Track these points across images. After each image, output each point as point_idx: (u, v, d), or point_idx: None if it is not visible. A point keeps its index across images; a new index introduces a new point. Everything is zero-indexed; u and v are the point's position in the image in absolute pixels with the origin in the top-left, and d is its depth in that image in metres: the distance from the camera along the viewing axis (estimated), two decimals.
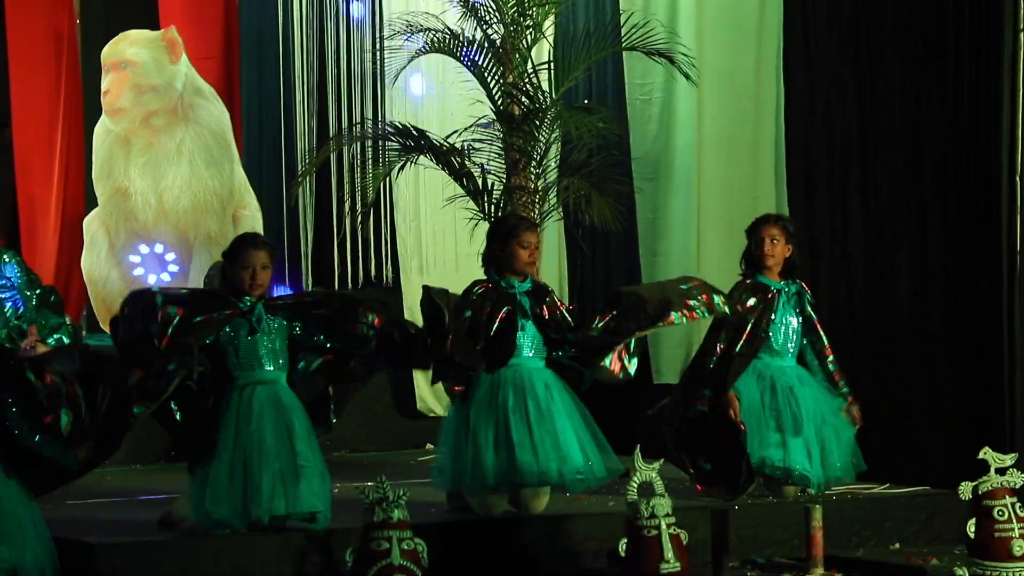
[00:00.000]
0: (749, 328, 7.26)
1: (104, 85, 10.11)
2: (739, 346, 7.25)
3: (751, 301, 7.32)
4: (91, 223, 10.21)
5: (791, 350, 7.42)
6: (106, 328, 10.10)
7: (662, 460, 6.28)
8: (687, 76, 8.71)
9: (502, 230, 7.02)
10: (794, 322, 7.42)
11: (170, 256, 10.13)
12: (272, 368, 6.50)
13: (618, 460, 6.91)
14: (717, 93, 9.34)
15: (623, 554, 5.94)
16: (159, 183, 10.04)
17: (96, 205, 10.29)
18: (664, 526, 5.92)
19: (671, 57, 8.71)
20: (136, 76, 10.01)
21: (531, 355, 6.96)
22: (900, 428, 8.35)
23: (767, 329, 7.32)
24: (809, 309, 7.45)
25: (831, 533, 6.74)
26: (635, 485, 6.11)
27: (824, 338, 7.48)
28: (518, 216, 7.75)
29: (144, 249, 10.14)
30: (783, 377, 7.34)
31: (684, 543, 5.98)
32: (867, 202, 8.67)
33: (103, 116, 10.18)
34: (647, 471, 6.15)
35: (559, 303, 7.03)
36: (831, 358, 7.46)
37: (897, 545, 7.20)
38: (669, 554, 5.87)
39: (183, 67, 10.14)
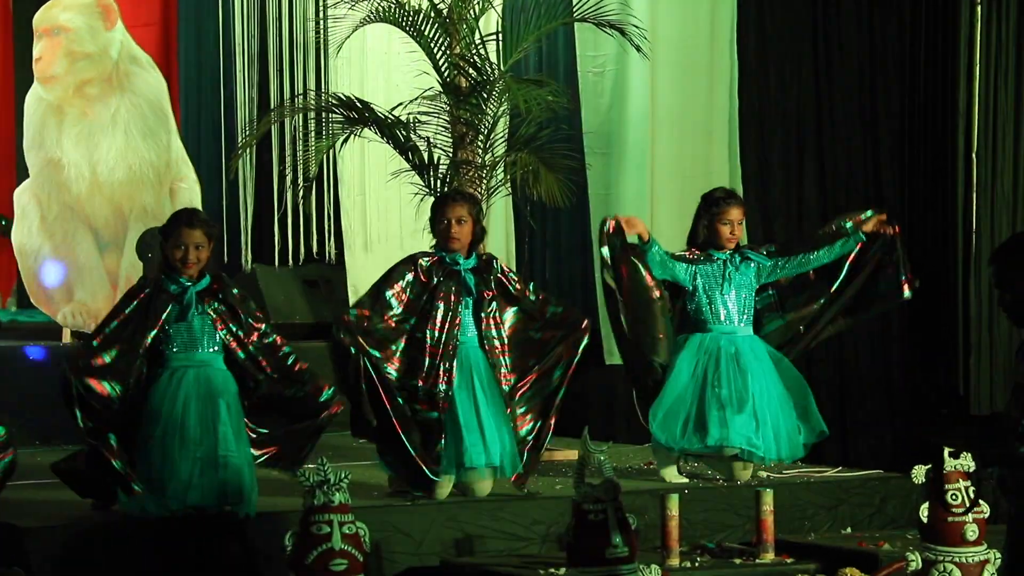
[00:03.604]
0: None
1: (36, 52, 9.87)
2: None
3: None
4: (22, 195, 9.99)
5: (743, 320, 7.30)
6: (37, 303, 9.91)
7: (609, 443, 6.14)
8: (639, 49, 8.55)
9: (433, 206, 7.02)
10: (744, 292, 7.30)
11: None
12: (205, 350, 6.32)
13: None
14: (670, 66, 9.23)
15: (570, 538, 5.80)
16: (93, 154, 9.81)
17: (27, 176, 10.04)
18: (611, 510, 5.77)
19: (623, 29, 8.55)
20: (69, 43, 9.77)
21: (474, 334, 6.82)
22: (853, 410, 8.28)
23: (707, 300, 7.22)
24: (763, 256, 7.32)
25: (783, 517, 6.70)
26: (583, 468, 5.96)
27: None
28: (450, 191, 7.67)
29: None
30: (730, 347, 7.21)
31: (632, 527, 5.85)
32: (822, 178, 8.62)
33: (35, 84, 9.93)
34: (595, 454, 6.00)
35: (505, 271, 6.92)
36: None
37: (849, 530, 7.13)
38: (616, 538, 5.74)
39: (118, 34, 9.91)
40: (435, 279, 6.78)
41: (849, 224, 7.35)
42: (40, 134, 9.88)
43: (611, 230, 7.23)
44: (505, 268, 7.02)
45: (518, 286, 6.93)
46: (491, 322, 6.83)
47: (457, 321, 6.76)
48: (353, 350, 6.58)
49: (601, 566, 5.69)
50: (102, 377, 6.22)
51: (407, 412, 6.62)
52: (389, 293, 6.76)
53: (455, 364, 6.73)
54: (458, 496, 6.76)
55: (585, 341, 6.96)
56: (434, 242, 7.00)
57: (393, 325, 6.72)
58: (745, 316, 7.34)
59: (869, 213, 7.39)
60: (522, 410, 6.83)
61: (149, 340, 6.29)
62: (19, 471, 6.35)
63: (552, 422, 6.90)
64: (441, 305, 6.76)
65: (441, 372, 6.69)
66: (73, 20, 9.81)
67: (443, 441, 6.63)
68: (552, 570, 6.05)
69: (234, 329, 6.40)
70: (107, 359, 6.25)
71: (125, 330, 6.32)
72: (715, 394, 7.18)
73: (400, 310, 6.75)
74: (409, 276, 6.77)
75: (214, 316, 6.37)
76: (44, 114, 9.86)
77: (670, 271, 7.27)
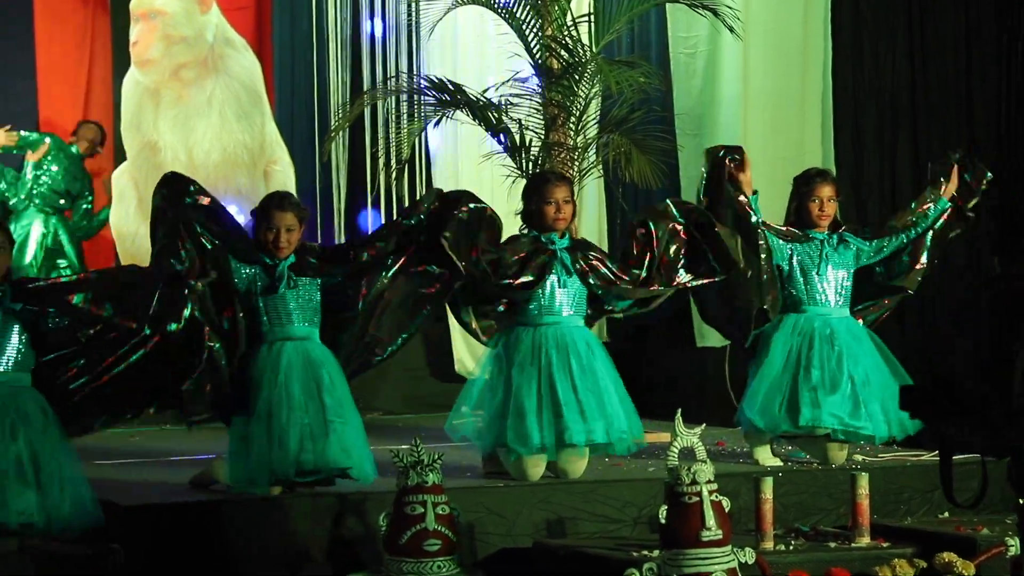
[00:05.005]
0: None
1: (133, 36, 9.99)
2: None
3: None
4: (120, 177, 10.12)
5: (839, 301, 7.25)
6: None
7: (703, 425, 6.12)
8: (732, 29, 8.50)
9: (530, 187, 6.97)
10: (841, 273, 7.25)
11: None
12: (302, 325, 6.37)
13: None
14: (763, 46, 9.15)
15: (663, 521, 5.79)
16: (189, 137, 9.92)
17: (125, 159, 10.17)
18: (706, 493, 5.77)
19: (715, 9, 8.50)
20: (166, 26, 9.88)
21: (571, 313, 6.83)
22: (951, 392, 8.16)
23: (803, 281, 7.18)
24: (862, 240, 7.27)
25: (878, 501, 6.62)
26: (676, 450, 5.95)
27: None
28: (547, 171, 7.65)
29: None
30: (824, 329, 7.17)
31: (726, 510, 5.83)
32: (917, 159, 8.51)
33: (132, 67, 10.04)
34: (688, 436, 5.99)
35: (600, 256, 6.90)
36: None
37: (946, 514, 7.03)
38: (711, 521, 5.72)
39: (214, 17, 10.01)
40: (531, 260, 6.78)
41: (933, 196, 7.34)
42: (137, 117, 10.00)
43: (719, 154, 7.18)
44: (601, 253, 6.97)
45: (612, 273, 6.89)
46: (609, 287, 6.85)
47: (552, 298, 6.76)
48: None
49: (695, 548, 5.68)
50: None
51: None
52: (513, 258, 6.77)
53: (552, 343, 6.74)
54: (551, 477, 6.77)
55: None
56: (522, 225, 6.98)
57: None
58: (841, 298, 7.28)
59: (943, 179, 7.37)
60: None
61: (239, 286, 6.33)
62: (117, 450, 6.49)
63: None
64: (531, 280, 6.76)
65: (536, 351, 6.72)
66: (169, 4, 9.91)
67: (530, 421, 6.64)
68: (645, 552, 6.04)
69: (328, 279, 6.44)
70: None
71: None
72: (808, 375, 7.14)
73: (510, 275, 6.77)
74: (512, 257, 6.77)
75: (306, 283, 6.39)
76: (141, 97, 9.98)
77: (767, 247, 7.22)
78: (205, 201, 6.32)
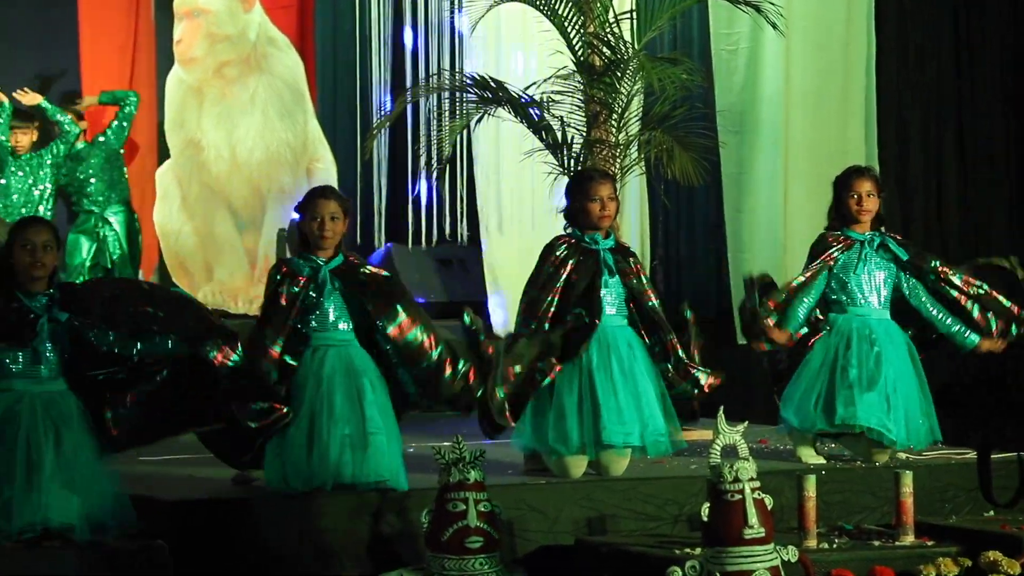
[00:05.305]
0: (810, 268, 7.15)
1: (176, 34, 10.02)
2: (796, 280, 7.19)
3: (832, 251, 7.18)
4: (164, 175, 10.15)
5: (880, 302, 7.21)
6: (178, 282, 10.08)
7: (745, 423, 6.09)
8: (774, 26, 8.46)
9: (573, 184, 6.95)
10: (880, 274, 7.21)
11: None
12: (345, 328, 6.37)
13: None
14: (805, 43, 9.13)
15: (705, 519, 5.77)
16: (232, 135, 9.95)
17: (168, 157, 10.21)
18: (748, 490, 5.74)
19: (758, 6, 8.47)
20: (209, 25, 9.92)
21: (613, 312, 6.81)
22: (995, 391, 8.13)
23: (843, 281, 7.15)
24: (900, 251, 7.22)
25: (922, 499, 6.59)
26: (718, 448, 5.93)
27: (933, 262, 7.21)
28: (591, 169, 7.64)
29: None
30: (865, 330, 7.14)
31: (768, 508, 5.80)
32: (962, 157, 8.46)
33: (175, 65, 10.08)
34: (730, 434, 5.96)
35: (637, 267, 6.89)
36: (953, 273, 7.18)
37: (991, 512, 6.98)
38: (753, 519, 5.69)
39: (256, 16, 10.04)
40: (573, 260, 6.77)
41: (993, 322, 7.20)
42: (180, 115, 10.03)
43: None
44: (639, 265, 6.95)
45: (642, 287, 6.87)
46: (644, 295, 6.81)
47: (596, 297, 6.75)
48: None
49: (737, 546, 5.66)
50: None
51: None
52: (543, 294, 6.76)
53: (593, 342, 6.72)
54: (592, 475, 6.75)
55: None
56: (565, 223, 6.97)
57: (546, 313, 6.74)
58: (882, 299, 7.24)
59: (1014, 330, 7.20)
60: None
61: (290, 322, 6.35)
62: (160, 447, 6.51)
63: None
64: (580, 284, 6.75)
65: (579, 348, 6.70)
66: (213, 2, 9.94)
67: (570, 420, 6.63)
68: (687, 550, 6.02)
69: (364, 302, 6.43)
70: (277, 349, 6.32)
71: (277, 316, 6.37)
72: (845, 374, 7.11)
73: (548, 297, 6.75)
74: (550, 269, 6.76)
75: (345, 294, 6.40)
76: (184, 96, 10.02)
77: (816, 298, 7.21)
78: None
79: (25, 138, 10.27)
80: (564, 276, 6.73)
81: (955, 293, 7.20)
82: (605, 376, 6.68)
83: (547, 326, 6.70)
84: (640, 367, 6.77)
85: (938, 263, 7.23)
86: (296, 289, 6.36)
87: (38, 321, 5.73)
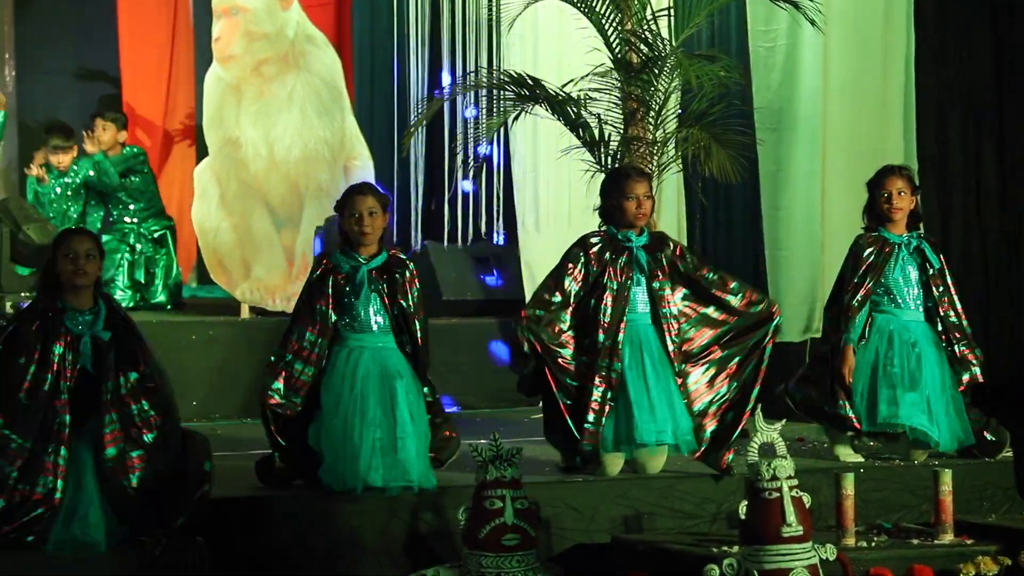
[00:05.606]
0: (858, 280, 7.13)
1: (215, 32, 10.04)
2: (851, 298, 7.14)
3: (869, 255, 7.15)
4: (202, 173, 10.17)
5: (915, 303, 7.19)
6: (216, 279, 10.12)
7: (784, 421, 6.08)
8: (813, 23, 8.43)
9: (609, 182, 6.95)
10: (914, 275, 7.20)
11: None
12: (380, 331, 6.38)
13: None
14: (844, 40, 9.07)
15: (743, 517, 5.76)
16: (270, 132, 9.96)
17: (207, 155, 10.24)
18: (786, 488, 5.74)
19: (796, 3, 8.44)
20: (247, 22, 9.92)
21: (646, 310, 6.79)
22: None
23: (881, 283, 7.13)
24: (934, 258, 7.20)
25: (961, 498, 6.57)
26: (756, 446, 5.92)
27: (947, 289, 7.19)
28: (626, 166, 7.64)
29: None
30: (906, 332, 7.14)
31: (807, 506, 5.79)
32: (1002, 156, 8.40)
33: (214, 63, 10.11)
34: (768, 432, 5.95)
35: (679, 251, 6.87)
36: (951, 313, 7.17)
37: None
38: (791, 517, 5.69)
39: (295, 14, 10.04)
40: (606, 256, 6.77)
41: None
42: (219, 113, 10.05)
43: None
44: (679, 248, 6.96)
45: (693, 265, 6.88)
46: (664, 300, 6.80)
47: (626, 296, 6.74)
48: (527, 348, 6.60)
49: (775, 544, 5.65)
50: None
51: (574, 392, 6.63)
52: (568, 279, 6.75)
53: (625, 341, 6.72)
54: (629, 473, 6.75)
55: (774, 325, 6.91)
56: (600, 221, 6.96)
57: (572, 306, 6.73)
58: (917, 300, 7.23)
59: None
60: (697, 385, 6.79)
61: (330, 322, 6.39)
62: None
63: (747, 410, 6.81)
64: (612, 282, 6.75)
65: (613, 349, 6.68)
66: (251, 0, 9.96)
67: (605, 418, 6.62)
68: (725, 548, 6.02)
69: (403, 306, 6.45)
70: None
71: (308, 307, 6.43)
72: (888, 373, 7.09)
73: (577, 289, 6.76)
74: (582, 257, 6.77)
75: (384, 294, 6.42)
76: (223, 93, 10.03)
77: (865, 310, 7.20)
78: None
79: (67, 158, 10.38)
80: (595, 270, 6.73)
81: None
82: (637, 375, 6.67)
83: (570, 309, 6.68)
84: (674, 364, 6.76)
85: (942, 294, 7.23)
86: (333, 284, 6.39)
87: (80, 340, 5.79)
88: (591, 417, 6.57)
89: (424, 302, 6.61)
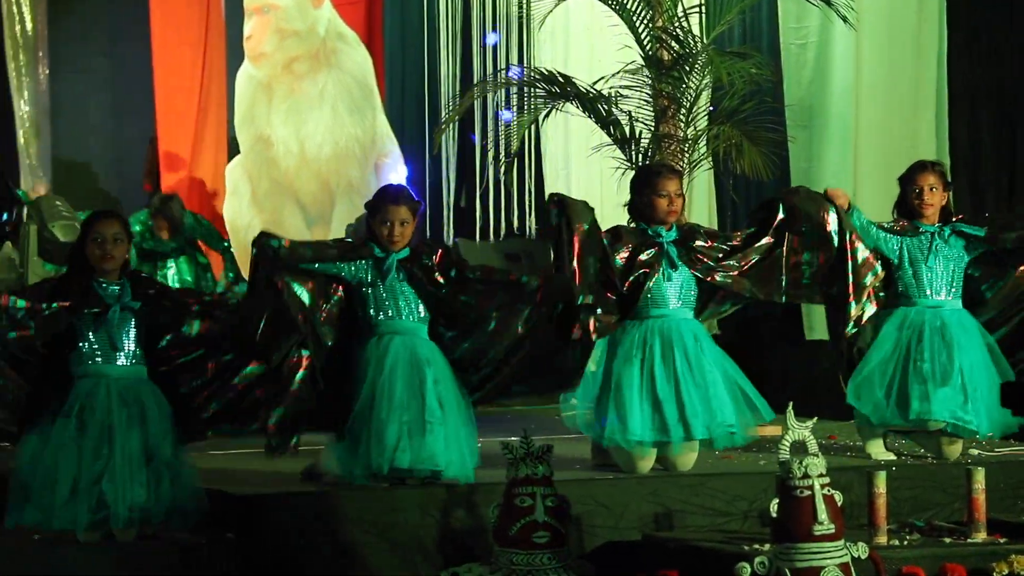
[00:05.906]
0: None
1: (247, 30, 10.08)
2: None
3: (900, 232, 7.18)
4: (233, 170, 10.22)
5: (951, 293, 7.15)
6: (247, 276, 10.15)
7: (815, 418, 6.06)
8: (845, 19, 8.41)
9: (640, 179, 6.92)
10: (952, 265, 7.15)
11: None
12: (410, 319, 6.40)
13: (772, 414, 6.72)
14: (876, 37, 9.05)
15: (774, 515, 5.74)
16: (301, 130, 10.01)
17: (238, 152, 10.28)
18: (818, 487, 5.71)
19: (828, 0, 8.42)
20: (279, 20, 9.97)
21: (679, 305, 6.79)
22: None
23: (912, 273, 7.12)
24: (975, 229, 7.15)
25: (994, 496, 6.51)
26: (787, 444, 5.90)
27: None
28: (658, 164, 7.62)
29: None
30: (935, 321, 7.09)
31: (839, 504, 5.77)
32: None
33: (245, 61, 10.15)
34: (800, 430, 5.93)
35: (710, 239, 6.87)
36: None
37: None
38: (823, 515, 5.66)
39: (326, 12, 10.08)
40: (637, 250, 6.77)
41: None
42: (250, 111, 10.09)
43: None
44: (706, 230, 6.97)
45: (723, 237, 6.90)
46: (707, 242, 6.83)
47: (652, 291, 6.74)
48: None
49: (807, 542, 5.63)
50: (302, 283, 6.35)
51: None
52: (618, 258, 6.77)
53: (656, 336, 6.71)
54: (660, 470, 6.74)
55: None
56: (629, 217, 6.95)
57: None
58: (953, 290, 7.18)
59: None
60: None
61: (340, 288, 6.40)
62: (230, 440, 6.57)
63: None
64: (641, 277, 6.74)
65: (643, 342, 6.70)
66: None
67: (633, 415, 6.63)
68: (756, 546, 6.00)
69: (439, 283, 6.46)
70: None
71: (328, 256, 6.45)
72: (918, 368, 7.05)
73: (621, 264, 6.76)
74: (619, 246, 6.77)
75: (414, 282, 6.44)
76: (254, 91, 10.07)
77: (873, 240, 7.14)
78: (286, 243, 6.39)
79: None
80: (626, 255, 6.73)
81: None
82: (667, 369, 6.66)
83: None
84: (708, 359, 6.75)
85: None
86: (359, 262, 6.42)
87: (110, 309, 5.85)
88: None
89: (462, 257, 6.63)
